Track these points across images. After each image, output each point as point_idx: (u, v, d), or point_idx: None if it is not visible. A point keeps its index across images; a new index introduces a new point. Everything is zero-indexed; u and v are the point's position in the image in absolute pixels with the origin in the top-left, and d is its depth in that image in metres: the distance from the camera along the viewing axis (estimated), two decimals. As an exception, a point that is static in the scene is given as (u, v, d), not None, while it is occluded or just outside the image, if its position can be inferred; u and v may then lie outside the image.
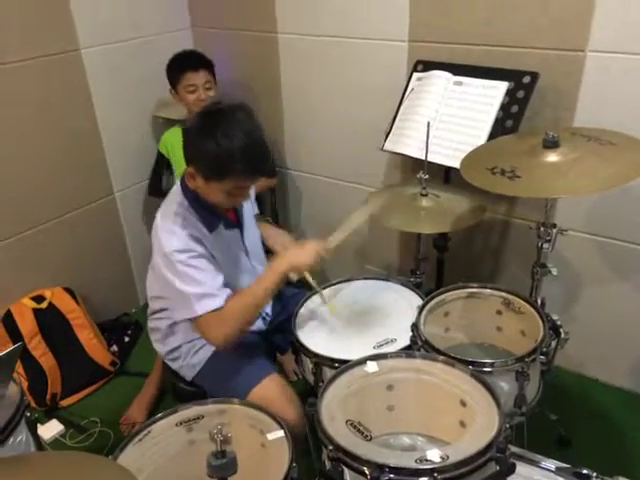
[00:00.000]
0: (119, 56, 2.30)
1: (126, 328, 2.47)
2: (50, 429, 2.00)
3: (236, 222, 1.56)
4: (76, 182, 2.26)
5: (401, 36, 2.01)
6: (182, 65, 2.17)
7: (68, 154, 2.21)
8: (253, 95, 2.48)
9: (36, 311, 2.11)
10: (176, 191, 1.47)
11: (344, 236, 1.51)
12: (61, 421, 2.04)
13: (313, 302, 1.64)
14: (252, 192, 1.64)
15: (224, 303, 1.37)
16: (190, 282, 1.36)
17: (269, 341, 1.67)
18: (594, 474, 1.21)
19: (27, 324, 2.08)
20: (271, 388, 1.44)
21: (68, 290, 2.23)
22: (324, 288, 1.65)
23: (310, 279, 1.49)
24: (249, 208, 1.62)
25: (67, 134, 2.18)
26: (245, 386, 1.43)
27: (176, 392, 1.62)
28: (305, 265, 1.42)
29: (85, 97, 2.22)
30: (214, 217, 1.47)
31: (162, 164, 2.36)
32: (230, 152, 1.30)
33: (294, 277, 1.44)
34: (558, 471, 1.24)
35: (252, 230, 1.63)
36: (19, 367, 2.08)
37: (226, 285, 1.41)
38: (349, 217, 1.53)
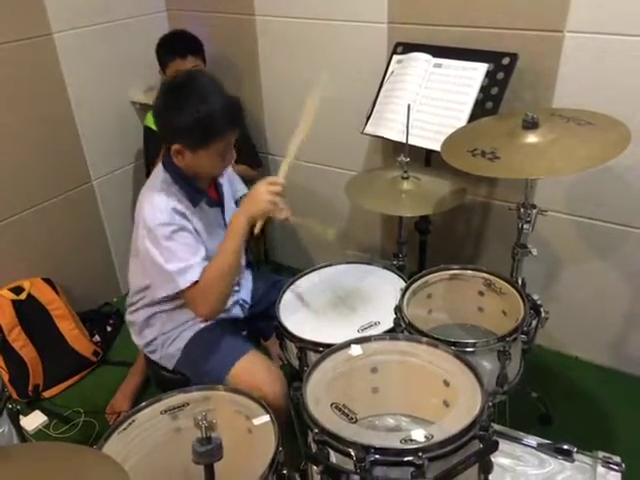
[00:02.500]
0: (93, 40, 2.25)
1: (108, 318, 2.45)
2: (33, 420, 1.98)
3: (217, 200, 1.56)
4: (51, 170, 2.21)
5: (380, 18, 2.00)
6: (170, 50, 2.14)
7: (42, 142, 2.16)
8: (231, 79, 2.44)
9: (15, 302, 2.07)
10: (158, 169, 1.47)
11: (288, 162, 1.47)
12: (44, 412, 2.02)
13: (296, 287, 1.64)
14: (230, 171, 1.64)
15: (200, 275, 1.37)
16: (172, 258, 1.36)
17: (253, 327, 1.67)
18: (574, 449, 1.24)
19: (6, 316, 2.04)
20: (252, 361, 1.46)
21: (47, 281, 2.20)
22: (306, 274, 1.65)
23: (294, 218, 1.44)
24: (228, 190, 1.62)
25: (40, 121, 2.13)
26: (225, 364, 1.45)
27: (160, 380, 1.62)
28: (262, 211, 1.38)
29: (58, 82, 2.17)
30: (197, 193, 1.47)
31: (156, 140, 2.25)
32: (211, 114, 1.32)
33: (257, 229, 1.40)
34: (540, 447, 1.27)
35: (231, 211, 1.61)
36: (-1, 359, 2.06)
37: (207, 260, 1.42)
38: (290, 142, 1.49)
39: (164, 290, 1.41)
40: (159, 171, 1.46)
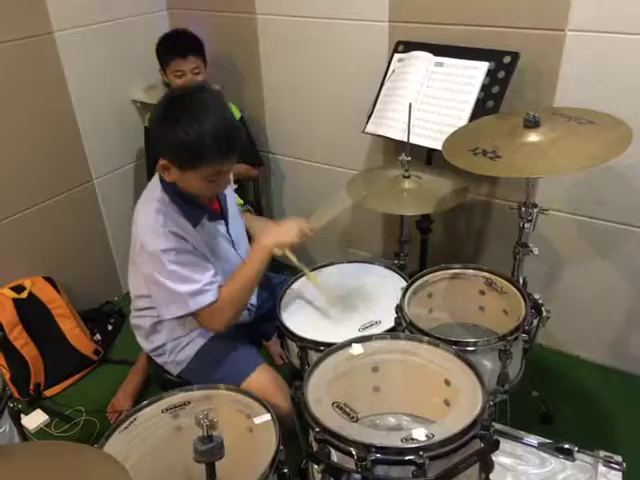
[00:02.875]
0: (94, 39, 2.25)
1: (109, 316, 2.45)
2: (34, 419, 1.98)
3: (221, 213, 1.52)
4: (52, 169, 2.21)
5: (381, 16, 1.99)
6: (170, 50, 2.13)
7: (43, 141, 2.16)
8: (232, 78, 2.44)
9: (16, 301, 2.07)
10: (155, 184, 1.41)
11: (326, 220, 1.51)
12: (45, 411, 2.02)
13: (297, 286, 1.64)
14: (231, 178, 1.61)
15: (217, 296, 1.37)
16: (182, 280, 1.34)
17: (255, 328, 1.66)
18: (575, 448, 1.24)
19: (7, 314, 2.04)
20: (262, 380, 1.44)
21: (48, 279, 2.20)
22: (312, 270, 1.65)
23: (292, 257, 1.48)
24: (232, 198, 1.59)
25: (41, 120, 2.13)
26: (235, 379, 1.42)
27: (161, 383, 1.61)
28: (290, 243, 1.43)
29: (59, 81, 2.17)
30: (197, 210, 1.42)
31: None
32: (200, 137, 1.25)
33: (278, 252, 1.44)
34: (541, 446, 1.27)
35: (237, 220, 1.60)
36: (0, 358, 2.06)
37: (218, 274, 1.41)
38: (332, 200, 1.53)
39: (173, 312, 1.39)
40: (156, 188, 1.40)
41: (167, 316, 1.41)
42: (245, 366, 1.46)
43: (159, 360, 1.56)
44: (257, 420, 1.20)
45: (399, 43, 1.94)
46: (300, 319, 1.51)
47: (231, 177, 1.45)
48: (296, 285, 1.65)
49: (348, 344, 1.23)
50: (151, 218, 1.35)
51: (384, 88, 1.93)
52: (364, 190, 1.66)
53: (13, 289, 2.10)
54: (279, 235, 1.44)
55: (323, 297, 1.57)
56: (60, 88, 2.18)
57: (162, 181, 1.40)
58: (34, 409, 2.03)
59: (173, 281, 1.34)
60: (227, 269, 1.50)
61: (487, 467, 1.03)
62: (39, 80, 2.10)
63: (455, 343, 1.26)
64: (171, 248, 1.33)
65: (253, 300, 1.64)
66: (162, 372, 1.58)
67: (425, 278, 1.53)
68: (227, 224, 1.54)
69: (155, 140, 1.36)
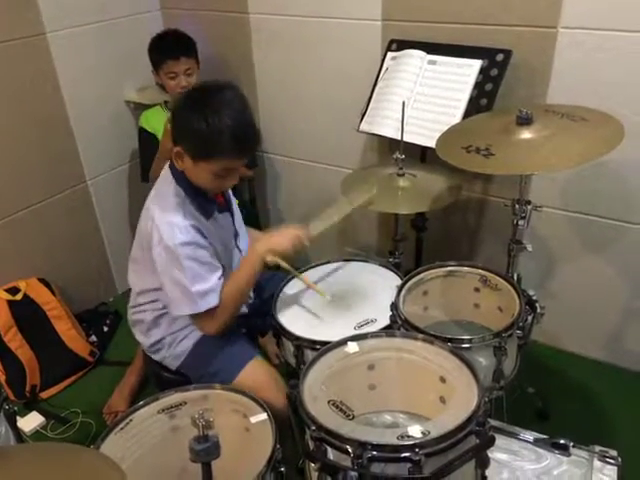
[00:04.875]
0: (87, 39, 2.24)
1: (105, 318, 2.44)
2: (30, 421, 1.98)
3: (226, 206, 1.55)
4: (46, 170, 2.21)
5: (374, 15, 1.99)
6: (162, 52, 2.12)
7: (36, 142, 2.15)
8: (225, 77, 2.41)
9: (11, 303, 2.07)
10: (167, 178, 1.43)
11: (325, 227, 1.52)
12: (41, 413, 2.01)
13: (292, 285, 1.64)
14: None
15: (219, 299, 1.40)
16: (195, 278, 1.36)
17: (249, 324, 1.67)
18: (571, 444, 1.24)
19: (2, 316, 2.03)
20: (257, 372, 1.46)
21: (43, 281, 2.19)
22: (307, 269, 1.65)
23: (284, 264, 1.49)
24: (230, 193, 1.61)
25: (34, 121, 2.13)
26: (231, 371, 1.44)
27: (159, 382, 1.61)
28: (285, 251, 1.43)
29: (52, 82, 2.16)
30: (209, 203, 1.45)
31: (150, 141, 2.22)
32: (219, 131, 1.28)
33: (271, 261, 1.45)
34: (536, 442, 1.27)
35: (238, 213, 1.63)
36: (-5, 360, 2.05)
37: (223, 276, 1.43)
38: (331, 207, 1.54)
39: (183, 310, 1.41)
40: (169, 183, 1.41)
41: (176, 313, 1.43)
42: (241, 358, 1.48)
43: (157, 356, 1.57)
44: (253, 419, 1.20)
45: (392, 42, 1.94)
46: (296, 318, 1.51)
47: (236, 179, 1.47)
48: (291, 284, 1.65)
49: (344, 342, 1.24)
50: (170, 211, 1.37)
51: (377, 87, 1.93)
52: (373, 189, 1.65)
53: (8, 291, 2.09)
54: (273, 243, 1.45)
55: (319, 296, 1.57)
56: (53, 89, 2.17)
57: (174, 174, 1.41)
58: (30, 411, 2.02)
59: (188, 278, 1.35)
60: (231, 262, 1.53)
61: (483, 463, 1.04)
62: (32, 81, 2.10)
63: (450, 340, 1.26)
64: (190, 242, 1.35)
65: (251, 293, 1.65)
66: (160, 370, 1.58)
67: (420, 276, 1.54)
68: (233, 217, 1.56)
69: (176, 126, 1.37)
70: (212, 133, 1.28)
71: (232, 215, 1.56)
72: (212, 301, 1.39)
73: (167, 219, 1.36)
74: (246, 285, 1.46)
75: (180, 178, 1.40)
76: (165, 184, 1.43)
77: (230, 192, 1.59)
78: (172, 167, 1.42)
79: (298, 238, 1.44)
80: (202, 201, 1.43)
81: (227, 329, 1.48)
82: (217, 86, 1.35)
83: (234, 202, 1.61)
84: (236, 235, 1.59)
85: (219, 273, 1.42)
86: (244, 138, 1.33)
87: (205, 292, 1.38)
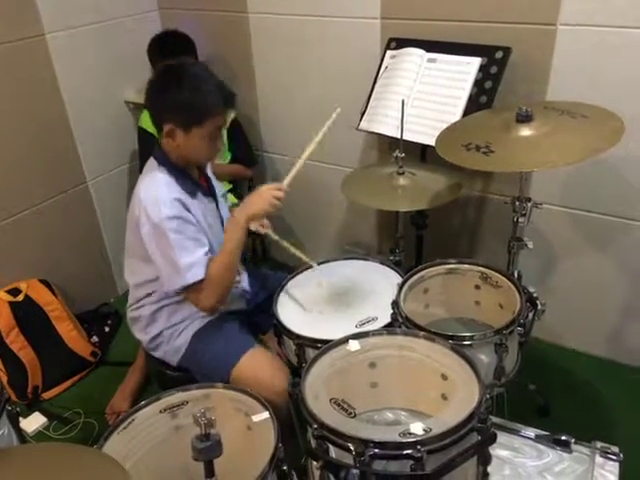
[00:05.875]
0: (85, 40, 2.24)
1: (106, 318, 2.44)
2: (33, 422, 1.98)
3: (209, 191, 1.57)
4: (46, 171, 2.21)
5: (373, 13, 1.99)
6: (161, 52, 2.12)
7: (36, 143, 2.15)
8: (225, 77, 2.40)
9: (12, 304, 2.07)
10: (151, 164, 1.47)
11: (294, 173, 1.52)
12: (44, 413, 2.02)
13: (294, 284, 1.65)
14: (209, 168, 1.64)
15: (206, 272, 1.41)
16: (181, 252, 1.38)
17: (251, 321, 1.68)
18: (572, 440, 1.24)
19: (4, 318, 2.04)
20: (257, 358, 1.48)
21: (44, 282, 2.20)
22: (302, 270, 1.65)
23: (271, 233, 1.48)
24: (217, 185, 1.63)
25: (34, 122, 2.13)
26: (231, 359, 1.46)
27: (162, 380, 1.61)
28: (262, 210, 1.43)
29: (52, 83, 2.16)
30: (192, 183, 1.48)
31: (150, 141, 2.23)
32: (207, 92, 1.37)
33: (255, 227, 1.43)
34: (538, 439, 1.27)
35: (223, 204, 1.65)
36: (-2, 362, 2.06)
37: (210, 252, 1.44)
38: (304, 150, 1.55)
39: (173, 284, 1.42)
40: (152, 167, 1.46)
41: (170, 288, 1.44)
42: (241, 346, 1.49)
43: (157, 353, 1.58)
44: (256, 418, 1.20)
45: (391, 40, 1.94)
46: (297, 316, 1.51)
47: (222, 140, 1.51)
48: (292, 283, 1.65)
49: (345, 340, 1.24)
50: (154, 187, 1.41)
51: (377, 85, 1.93)
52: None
53: (9, 292, 2.09)
54: (250, 206, 1.44)
55: (318, 296, 1.57)
56: (52, 90, 2.17)
57: (158, 160, 1.46)
58: (32, 412, 2.03)
59: (175, 251, 1.37)
60: (217, 244, 1.53)
61: (485, 460, 1.04)
62: (31, 82, 2.10)
63: (451, 338, 1.26)
64: (175, 216, 1.38)
65: (246, 286, 1.67)
66: (163, 369, 1.59)
67: (421, 274, 1.54)
68: (217, 203, 1.59)
69: (159, 106, 1.43)
70: (202, 96, 1.37)
71: (216, 202, 1.59)
72: (198, 273, 1.40)
73: (152, 195, 1.40)
74: (231, 257, 1.44)
75: (163, 161, 1.45)
76: (149, 168, 1.48)
77: (215, 181, 1.61)
78: (155, 153, 1.47)
79: (272, 195, 1.43)
80: (186, 181, 1.46)
81: (226, 319, 1.50)
82: (180, 63, 1.44)
83: (219, 191, 1.63)
84: (222, 221, 1.60)
85: (205, 249, 1.43)
86: (224, 92, 1.42)
87: (191, 264, 1.39)
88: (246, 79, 2.41)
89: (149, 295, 1.54)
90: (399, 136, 1.68)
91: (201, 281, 1.40)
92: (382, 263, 1.71)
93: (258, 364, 1.46)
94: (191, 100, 1.37)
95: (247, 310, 1.68)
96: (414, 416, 1.23)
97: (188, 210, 1.42)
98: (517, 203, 1.59)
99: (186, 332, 1.54)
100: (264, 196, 1.44)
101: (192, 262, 1.39)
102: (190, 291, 1.43)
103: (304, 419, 1.06)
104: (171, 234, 1.37)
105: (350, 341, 1.23)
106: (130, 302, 1.61)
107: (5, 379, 2.05)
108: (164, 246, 1.38)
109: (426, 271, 1.54)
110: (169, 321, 1.55)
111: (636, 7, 1.58)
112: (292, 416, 1.14)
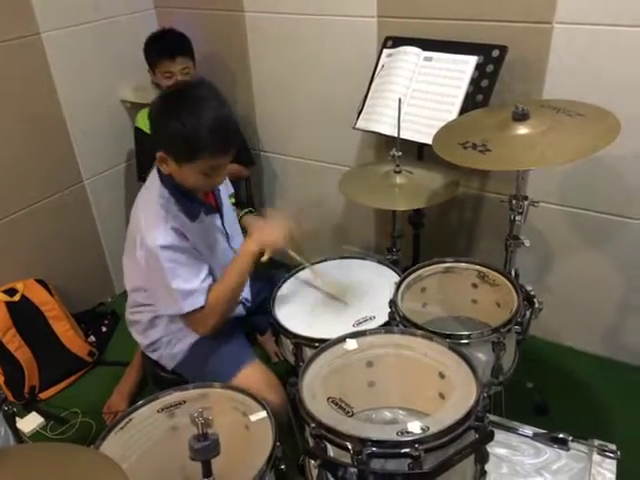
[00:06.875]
0: (81, 39, 2.23)
1: (103, 318, 2.44)
2: (30, 422, 1.98)
3: (216, 207, 1.54)
4: (42, 171, 2.20)
5: (369, 12, 1.99)
6: (158, 51, 2.11)
7: (32, 142, 2.14)
8: (221, 76, 2.43)
9: (9, 304, 2.06)
10: (153, 179, 1.43)
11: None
12: (41, 414, 2.01)
13: (291, 284, 1.64)
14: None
15: (206, 300, 1.39)
16: (176, 280, 1.35)
17: (248, 322, 1.67)
18: (570, 438, 1.25)
19: (0, 318, 2.03)
20: (252, 375, 1.45)
21: (41, 282, 2.19)
22: (301, 269, 1.65)
23: (293, 254, 1.49)
24: (224, 189, 1.60)
25: (30, 121, 2.12)
26: (226, 374, 1.44)
27: (157, 380, 1.61)
28: (275, 244, 1.43)
29: (47, 82, 2.15)
30: (195, 205, 1.44)
31: (146, 141, 2.19)
32: (197, 131, 1.27)
33: (265, 258, 1.44)
34: (535, 437, 1.27)
35: (229, 212, 1.62)
36: (-6, 362, 2.05)
37: (209, 272, 1.42)
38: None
39: (168, 310, 1.42)
40: (155, 183, 1.42)
41: (165, 312, 1.44)
42: (237, 360, 1.47)
43: (154, 355, 1.57)
44: (253, 417, 1.20)
45: (388, 38, 1.94)
46: (294, 316, 1.51)
47: (224, 176, 1.46)
48: (289, 282, 1.65)
49: (342, 339, 1.24)
50: (153, 213, 1.37)
51: (373, 84, 1.93)
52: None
53: (5, 292, 2.09)
54: (264, 237, 1.44)
55: (317, 294, 1.57)
56: (48, 89, 2.16)
57: (160, 175, 1.41)
58: (29, 412, 2.02)
59: (169, 279, 1.35)
60: (222, 263, 1.52)
61: (482, 458, 1.04)
62: (27, 81, 2.09)
63: (449, 336, 1.26)
64: (169, 245, 1.34)
65: (247, 294, 1.65)
66: (158, 371, 1.58)
67: (418, 272, 1.54)
68: (222, 217, 1.55)
69: (155, 131, 1.37)
70: (191, 134, 1.27)
71: (222, 217, 1.55)
72: (197, 302, 1.38)
73: (149, 222, 1.36)
74: (236, 284, 1.44)
75: (165, 180, 1.40)
76: (151, 184, 1.43)
77: (222, 193, 1.57)
78: (159, 168, 1.42)
79: (287, 231, 1.43)
80: (187, 203, 1.42)
81: (224, 328, 1.47)
82: (189, 86, 1.36)
83: (226, 203, 1.60)
84: (227, 236, 1.58)
85: (203, 275, 1.40)
86: (223, 134, 1.32)
87: (188, 293, 1.37)
88: (242, 78, 2.41)
89: (147, 304, 1.52)
90: (396, 135, 1.68)
91: (201, 308, 1.39)
92: (379, 262, 1.71)
93: (254, 381, 1.42)
94: (182, 136, 1.27)
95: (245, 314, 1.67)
96: (412, 415, 1.23)
97: (185, 237, 1.38)
98: (514, 201, 1.59)
99: (184, 341, 1.52)
100: (281, 231, 1.44)
101: (189, 290, 1.37)
102: (189, 318, 1.41)
103: (302, 418, 1.05)
104: (165, 263, 1.34)
105: (347, 340, 1.23)
106: (129, 304, 1.60)
107: (2, 379, 2.05)
108: (158, 273, 1.35)
109: (423, 270, 1.54)
110: (168, 328, 1.53)
111: (632, 6, 1.59)
112: (289, 414, 1.14)
